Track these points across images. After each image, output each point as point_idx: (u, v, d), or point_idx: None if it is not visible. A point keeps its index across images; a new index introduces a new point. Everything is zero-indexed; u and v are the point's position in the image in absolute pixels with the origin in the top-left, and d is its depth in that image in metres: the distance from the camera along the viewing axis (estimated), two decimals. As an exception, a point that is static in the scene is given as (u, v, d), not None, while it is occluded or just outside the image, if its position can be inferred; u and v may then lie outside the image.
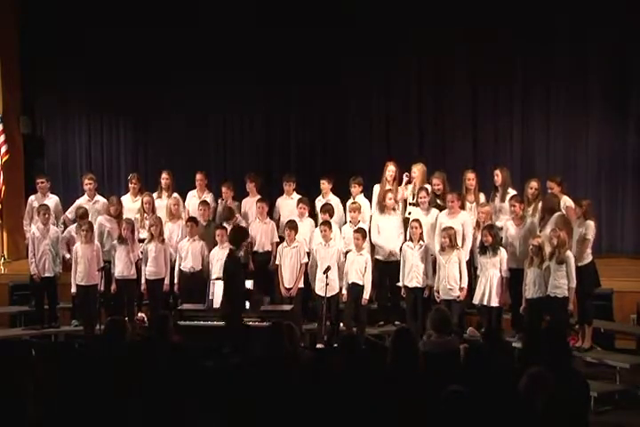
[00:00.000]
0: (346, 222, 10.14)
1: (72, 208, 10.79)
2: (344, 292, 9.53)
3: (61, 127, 13.67)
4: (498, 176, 9.82)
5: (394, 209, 9.98)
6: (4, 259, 12.51)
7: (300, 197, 10.54)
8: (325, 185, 10.51)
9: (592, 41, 11.51)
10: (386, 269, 9.91)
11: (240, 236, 8.73)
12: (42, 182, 11.01)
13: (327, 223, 9.73)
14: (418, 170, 10.15)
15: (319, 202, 10.48)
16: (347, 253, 9.66)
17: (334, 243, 9.70)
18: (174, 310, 9.45)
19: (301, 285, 9.73)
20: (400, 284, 9.52)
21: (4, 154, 12.48)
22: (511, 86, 12.02)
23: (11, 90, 12.94)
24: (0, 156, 12.43)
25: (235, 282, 8.37)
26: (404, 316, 9.62)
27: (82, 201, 10.83)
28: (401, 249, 9.61)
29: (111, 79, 13.01)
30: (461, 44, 11.96)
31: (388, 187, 10.16)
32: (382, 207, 9.97)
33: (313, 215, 10.34)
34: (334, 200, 10.45)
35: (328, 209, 10.01)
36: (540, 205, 9.18)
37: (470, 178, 9.90)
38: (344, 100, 12.61)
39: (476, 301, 9.07)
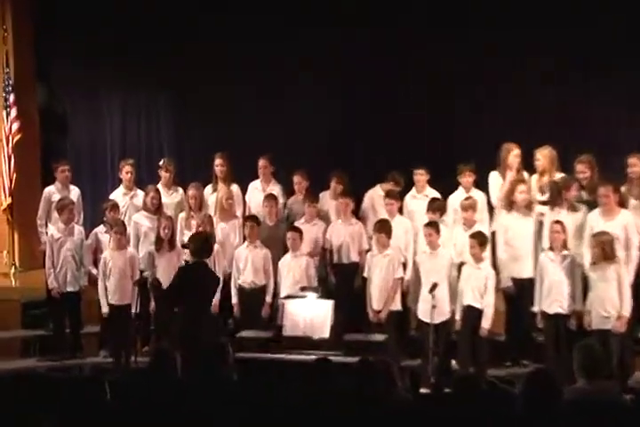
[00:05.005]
0: None
1: None
2: (457, 317, 8.33)
3: (88, 100, 12.16)
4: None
5: (527, 207, 8.58)
6: (15, 268, 11.10)
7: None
8: (423, 176, 9.45)
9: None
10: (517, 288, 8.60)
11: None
12: (65, 171, 9.90)
13: (434, 224, 8.46)
14: (543, 156, 8.92)
15: (413, 199, 9.42)
16: (460, 265, 8.45)
17: (444, 251, 8.47)
18: (232, 338, 8.17)
19: (397, 307, 8.55)
20: (535, 309, 8.21)
21: (17, 132, 10.91)
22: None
23: (23, 52, 11.39)
24: (11, 135, 10.90)
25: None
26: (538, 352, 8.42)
27: (117, 194, 9.84)
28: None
29: (147, 44, 11.42)
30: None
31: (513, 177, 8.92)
32: (510, 204, 8.64)
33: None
34: (433, 195, 9.35)
35: (438, 206, 8.87)
36: None
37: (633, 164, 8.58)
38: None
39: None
